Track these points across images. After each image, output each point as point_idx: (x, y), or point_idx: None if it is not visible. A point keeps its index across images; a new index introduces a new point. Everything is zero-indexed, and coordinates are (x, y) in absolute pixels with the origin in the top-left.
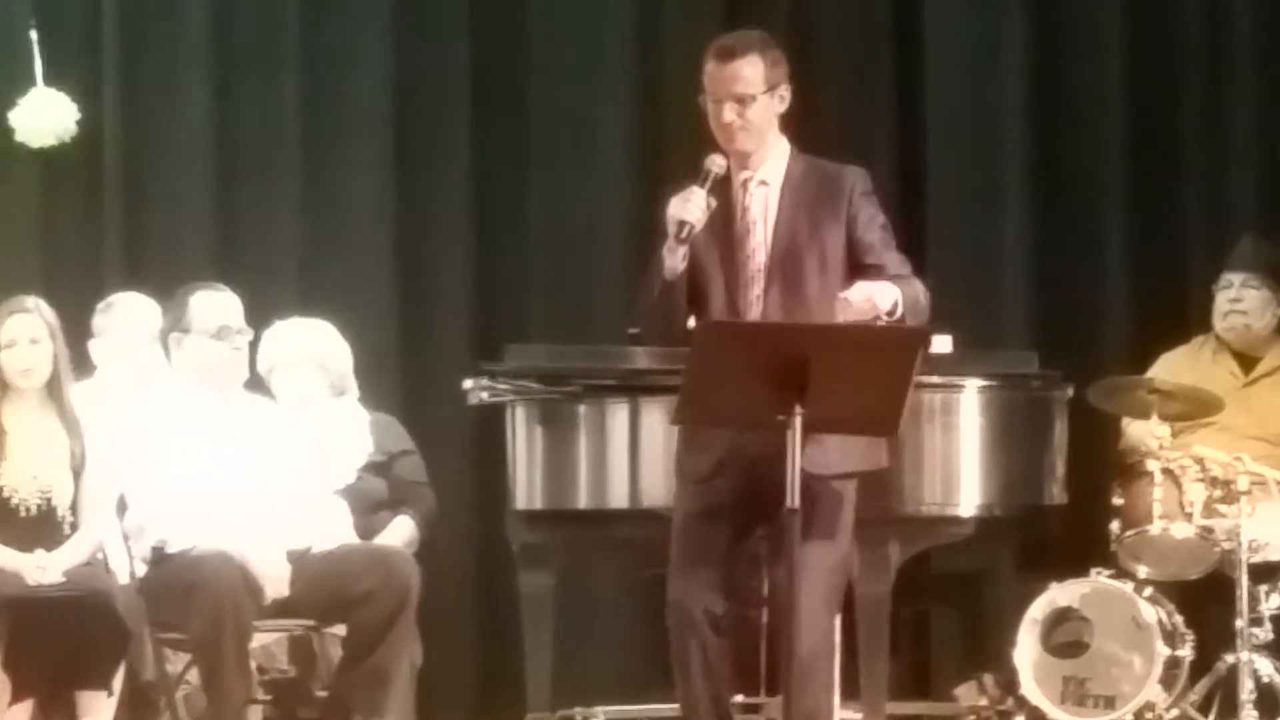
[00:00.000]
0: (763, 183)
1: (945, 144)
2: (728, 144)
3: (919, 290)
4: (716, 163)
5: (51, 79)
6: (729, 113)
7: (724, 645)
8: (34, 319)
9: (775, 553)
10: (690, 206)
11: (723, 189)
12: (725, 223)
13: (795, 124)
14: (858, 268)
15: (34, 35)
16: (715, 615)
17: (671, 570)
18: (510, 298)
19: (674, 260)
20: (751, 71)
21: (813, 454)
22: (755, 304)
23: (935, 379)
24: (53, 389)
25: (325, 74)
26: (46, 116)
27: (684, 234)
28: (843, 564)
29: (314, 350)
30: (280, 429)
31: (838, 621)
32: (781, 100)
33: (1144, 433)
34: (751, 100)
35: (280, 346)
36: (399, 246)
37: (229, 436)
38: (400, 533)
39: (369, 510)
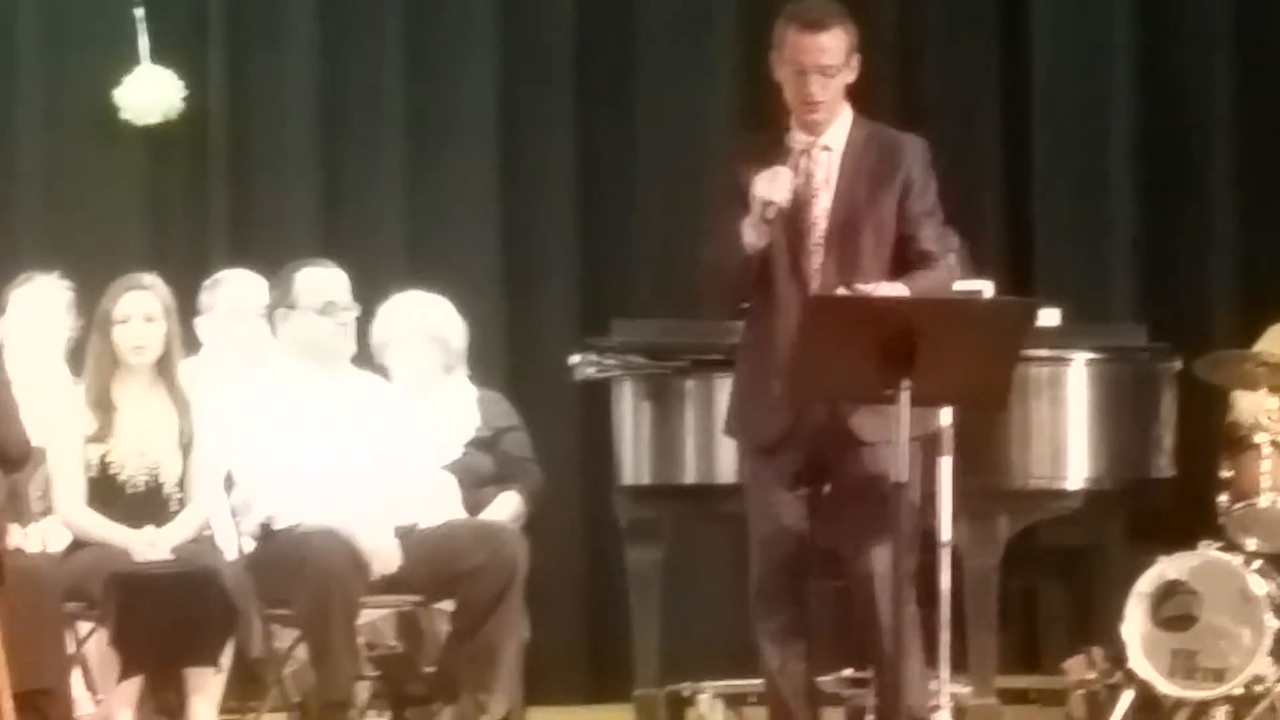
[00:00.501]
0: (826, 148)
1: (1053, 118)
2: (808, 114)
3: (941, 279)
4: (799, 140)
5: (157, 56)
6: (815, 85)
7: (800, 617)
8: (150, 296)
9: (832, 522)
10: (777, 186)
11: (789, 156)
12: (765, 211)
13: (901, 104)
14: (899, 238)
15: (140, 13)
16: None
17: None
18: (616, 273)
19: (756, 237)
20: (836, 43)
21: (868, 422)
22: (816, 276)
23: (1043, 352)
24: (163, 367)
25: (430, 48)
26: (152, 94)
27: (770, 214)
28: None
29: (431, 325)
30: (388, 404)
31: None
32: (853, 70)
33: (1253, 405)
34: (835, 71)
35: (398, 320)
36: (505, 222)
37: (336, 412)
38: (507, 508)
39: (476, 485)
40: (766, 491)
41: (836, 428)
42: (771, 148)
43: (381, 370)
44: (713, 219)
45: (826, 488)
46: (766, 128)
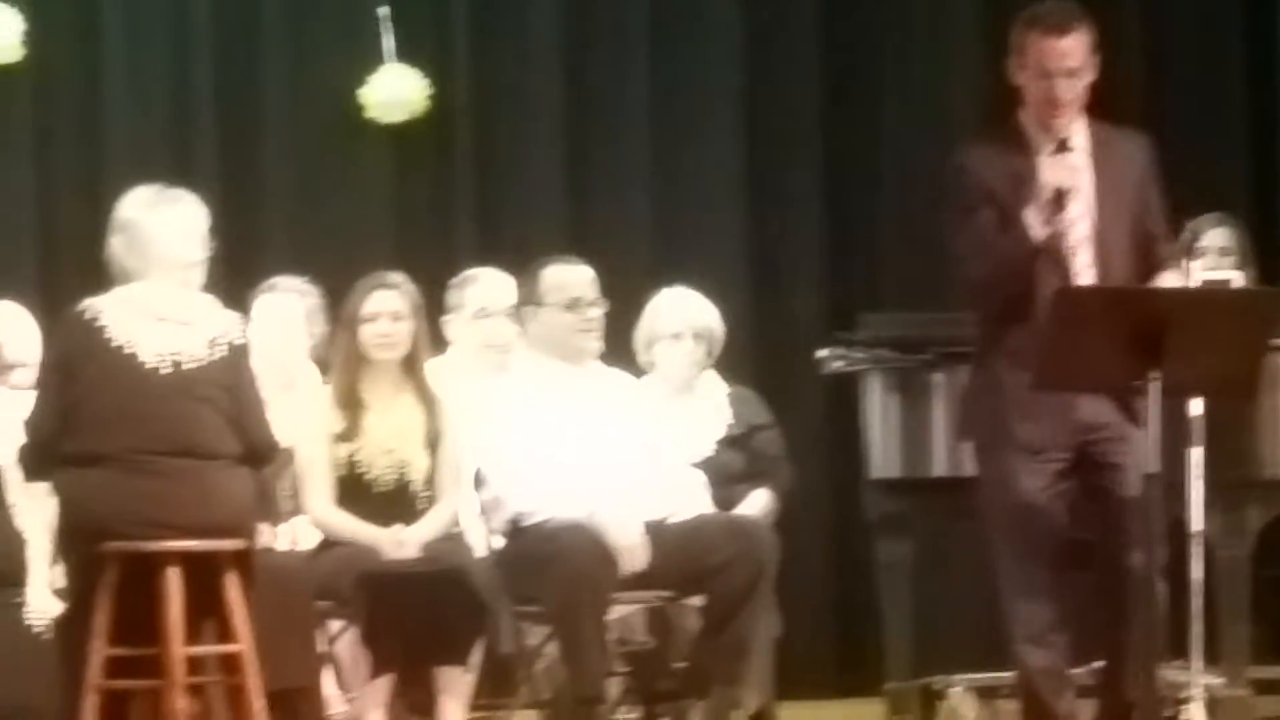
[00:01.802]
0: (1071, 149)
1: None
2: (1053, 117)
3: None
4: (1045, 141)
5: (402, 55)
6: (1061, 87)
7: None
8: (398, 295)
9: (1086, 515)
10: (1065, 173)
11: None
12: (1056, 199)
13: (1148, 106)
14: (1144, 236)
15: (384, 12)
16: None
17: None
18: (863, 267)
19: (1040, 228)
20: (1079, 46)
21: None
22: (1085, 271)
23: None
24: (410, 365)
25: (675, 46)
26: (397, 92)
27: (1064, 201)
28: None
29: (700, 320)
30: (637, 400)
31: None
32: (1094, 71)
33: None
34: (1080, 73)
35: (667, 315)
36: (751, 217)
37: (584, 408)
38: (758, 505)
39: (726, 483)
40: (1023, 490)
41: (1096, 422)
42: (1011, 149)
43: (645, 365)
44: (965, 230)
45: (1077, 480)
46: (995, 133)
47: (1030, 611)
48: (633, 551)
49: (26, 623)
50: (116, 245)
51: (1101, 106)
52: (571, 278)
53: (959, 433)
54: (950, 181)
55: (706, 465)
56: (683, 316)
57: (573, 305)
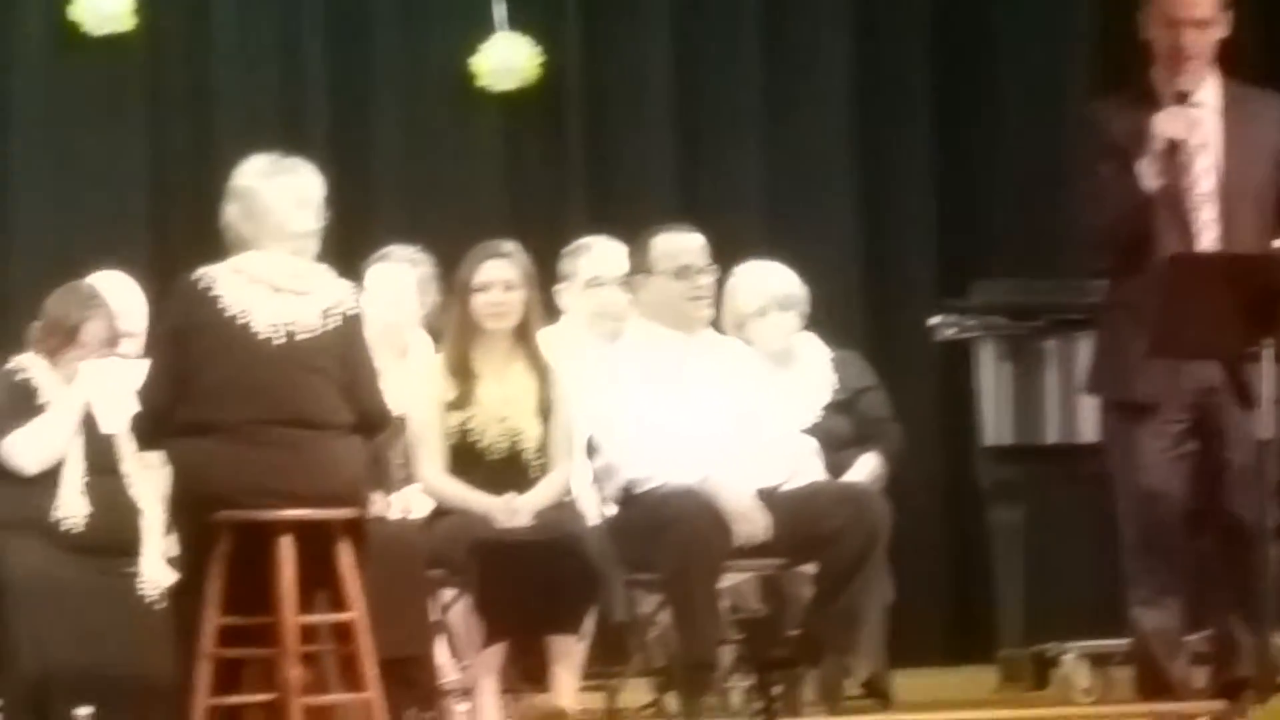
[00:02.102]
0: (1199, 105)
1: None
2: (1180, 70)
3: None
4: (1171, 97)
5: (513, 23)
6: (1189, 37)
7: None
8: (510, 264)
9: (1205, 480)
10: (1180, 124)
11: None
12: (1169, 150)
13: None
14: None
15: None
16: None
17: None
18: (974, 233)
19: (1154, 178)
20: None
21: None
22: (1202, 232)
23: None
24: (523, 333)
25: (785, 14)
26: (508, 61)
27: (1176, 152)
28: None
29: (783, 290)
30: (747, 368)
31: None
32: (1225, 27)
33: None
34: (1210, 25)
35: (750, 287)
36: (862, 184)
37: (695, 376)
38: (867, 470)
39: (835, 448)
40: (1144, 450)
41: (1217, 385)
42: (1140, 103)
43: (739, 336)
44: (1086, 181)
45: (1199, 444)
46: (1126, 82)
47: (1147, 573)
48: (747, 517)
49: (140, 592)
50: (231, 213)
51: (1238, 65)
52: (681, 245)
53: (1088, 387)
54: (1077, 136)
55: (815, 431)
56: (762, 291)
57: (682, 273)
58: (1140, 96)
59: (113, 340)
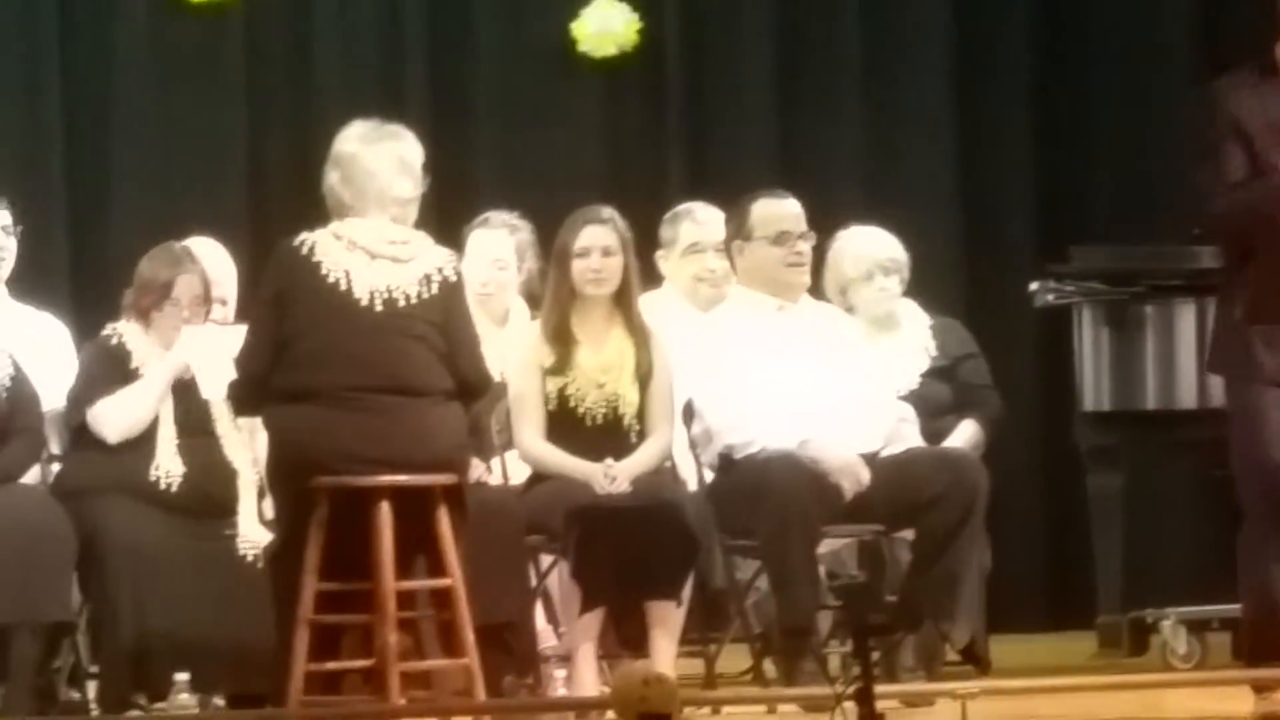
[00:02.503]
0: None
1: None
2: None
3: None
4: None
5: None
6: None
7: None
8: (609, 230)
9: None
10: None
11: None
12: None
13: None
14: None
15: None
16: None
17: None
18: (1073, 199)
19: None
20: None
21: None
22: None
23: None
24: (622, 299)
25: None
26: (608, 27)
27: None
28: None
29: (886, 256)
30: (846, 334)
31: None
32: None
33: None
34: None
35: (854, 252)
36: (961, 149)
37: (794, 342)
38: (966, 436)
39: (934, 415)
40: (1271, 422)
41: None
42: (1267, 83)
43: (842, 302)
44: (1206, 162)
45: None
46: (1225, 49)
47: (1263, 541)
48: (852, 469)
49: (239, 553)
50: (332, 179)
51: None
52: (779, 211)
53: (1208, 366)
54: (1198, 112)
55: (914, 398)
56: (866, 255)
57: (780, 239)
58: (1267, 75)
59: (205, 299)
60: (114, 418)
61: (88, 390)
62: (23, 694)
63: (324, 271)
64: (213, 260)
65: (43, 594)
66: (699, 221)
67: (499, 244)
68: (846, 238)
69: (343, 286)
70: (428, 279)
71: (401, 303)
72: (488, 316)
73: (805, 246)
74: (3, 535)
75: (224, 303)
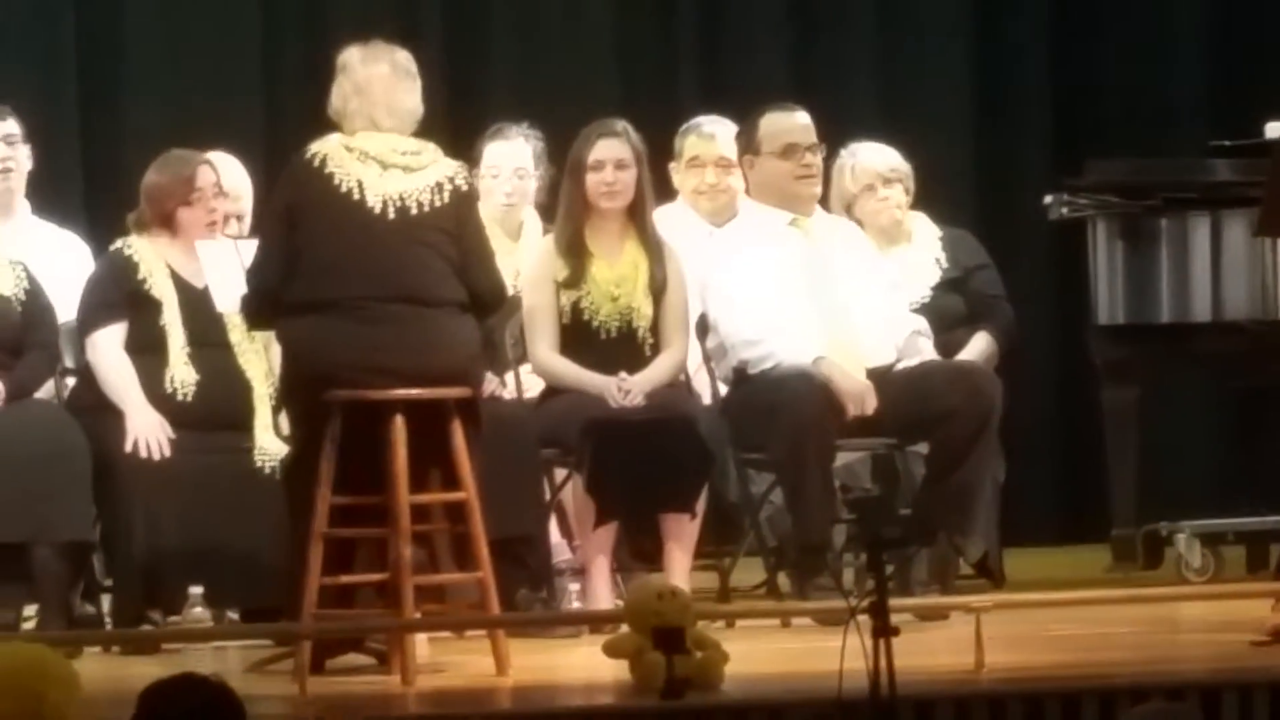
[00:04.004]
0: None
1: None
2: None
3: None
4: None
5: None
6: None
7: None
8: (622, 143)
9: None
10: None
11: None
12: None
13: None
14: None
15: None
16: None
17: None
18: (1088, 111)
19: None
20: None
21: None
22: None
23: None
24: (635, 212)
25: None
26: None
27: None
28: None
29: (885, 166)
30: (857, 247)
31: None
32: None
33: None
34: None
35: (850, 173)
36: (976, 61)
37: (807, 256)
38: (979, 349)
39: (946, 327)
40: None
41: None
42: None
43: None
44: None
45: None
46: None
47: None
48: (860, 396)
49: (257, 465)
50: (340, 94)
51: None
52: (787, 124)
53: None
54: None
55: (925, 310)
56: (866, 168)
57: (787, 152)
58: None
59: (222, 193)
60: (102, 364)
61: (90, 314)
62: (55, 613)
63: (336, 181)
64: (230, 174)
65: (61, 513)
66: (702, 135)
67: (519, 153)
68: (848, 154)
69: (355, 195)
70: (439, 187)
71: (414, 210)
72: (503, 230)
73: (813, 158)
74: (20, 452)
75: (240, 218)
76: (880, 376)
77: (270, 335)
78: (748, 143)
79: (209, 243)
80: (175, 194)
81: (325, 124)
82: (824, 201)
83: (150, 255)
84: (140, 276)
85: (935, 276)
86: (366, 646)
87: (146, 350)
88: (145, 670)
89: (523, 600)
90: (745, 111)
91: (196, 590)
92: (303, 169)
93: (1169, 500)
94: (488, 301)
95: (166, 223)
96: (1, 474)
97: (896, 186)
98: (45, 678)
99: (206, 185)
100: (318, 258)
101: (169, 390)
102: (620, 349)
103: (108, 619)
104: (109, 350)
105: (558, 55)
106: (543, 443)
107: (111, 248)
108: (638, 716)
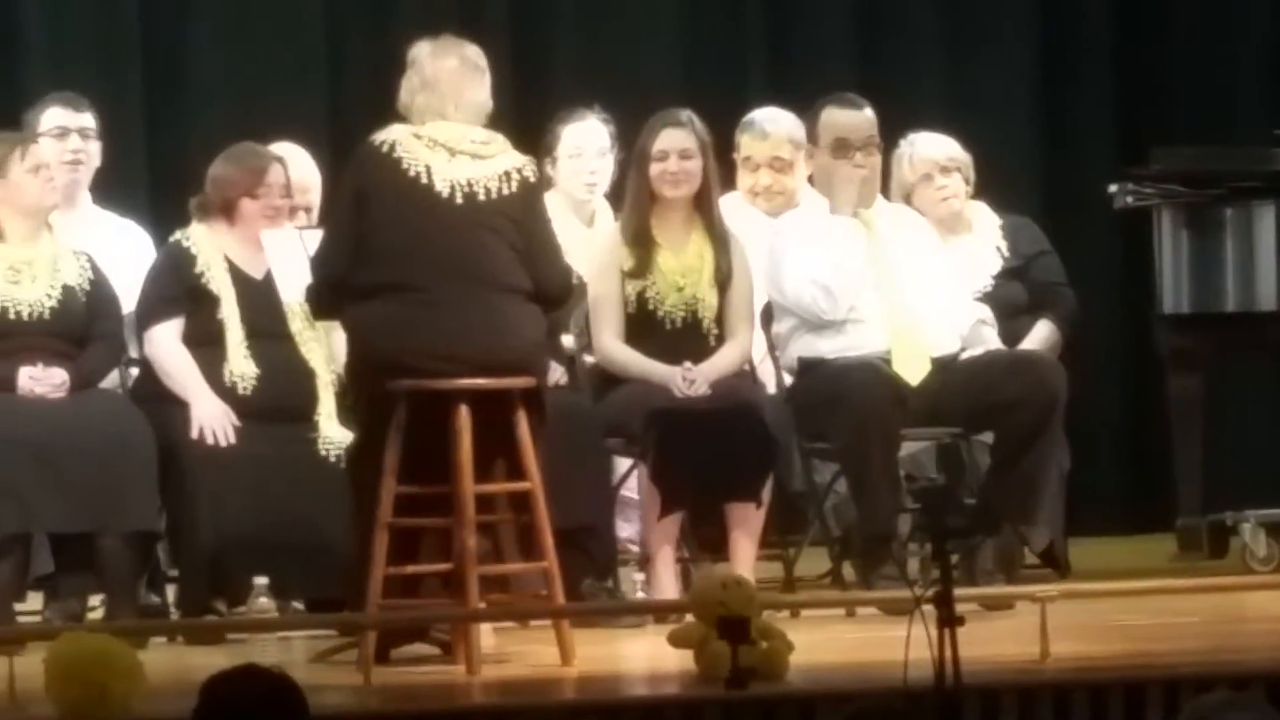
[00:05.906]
0: None
1: None
2: None
3: None
4: None
5: None
6: None
7: None
8: (687, 133)
9: None
10: None
11: None
12: None
13: None
14: None
15: None
16: None
17: None
18: (1153, 100)
19: None
20: None
21: None
22: None
23: None
24: (700, 202)
25: None
26: None
27: None
28: None
29: (943, 155)
30: (920, 237)
31: None
32: None
33: None
34: None
35: (909, 163)
36: (1042, 50)
37: (871, 246)
38: (1042, 336)
39: (1009, 315)
40: None
41: None
42: None
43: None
44: None
45: None
46: None
47: None
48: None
49: (321, 453)
50: (409, 86)
51: None
52: (842, 119)
53: None
54: None
55: (988, 299)
56: (923, 158)
57: (839, 148)
58: None
59: (289, 192)
60: (161, 358)
61: (147, 308)
62: (121, 602)
63: (404, 166)
64: (299, 166)
65: (127, 503)
66: (755, 134)
67: (599, 134)
68: (906, 144)
69: (423, 180)
70: (507, 175)
71: (481, 196)
72: (579, 217)
73: (865, 158)
74: (86, 442)
75: (309, 210)
76: (945, 366)
77: (332, 323)
78: (809, 133)
79: (274, 232)
80: (242, 184)
81: (390, 118)
82: (884, 191)
83: (208, 246)
84: (198, 270)
85: (997, 265)
86: (431, 636)
87: (205, 344)
88: (209, 660)
89: (588, 590)
90: (810, 100)
91: (261, 581)
92: (371, 154)
93: (1234, 490)
94: (552, 293)
95: (228, 211)
96: (67, 464)
97: (955, 176)
98: (110, 668)
99: (275, 183)
100: (385, 242)
101: (228, 384)
102: (685, 339)
103: (173, 609)
104: (167, 344)
105: (624, 47)
106: (607, 432)
107: (170, 239)
108: (702, 707)
